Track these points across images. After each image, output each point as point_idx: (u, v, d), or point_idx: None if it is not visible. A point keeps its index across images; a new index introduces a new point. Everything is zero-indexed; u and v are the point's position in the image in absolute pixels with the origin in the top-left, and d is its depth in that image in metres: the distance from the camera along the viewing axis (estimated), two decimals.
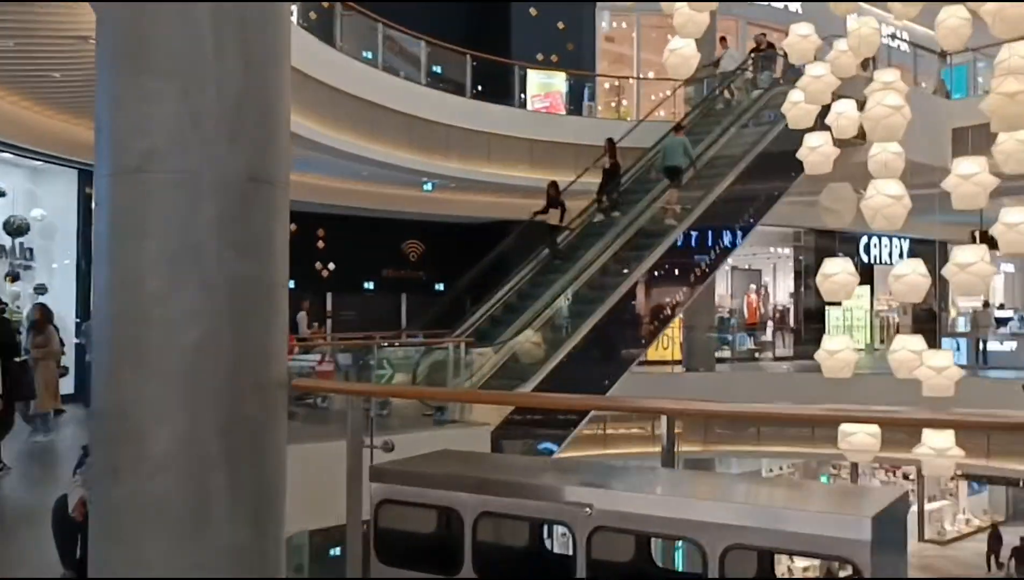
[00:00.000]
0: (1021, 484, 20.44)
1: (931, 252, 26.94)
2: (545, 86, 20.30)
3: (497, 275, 13.98)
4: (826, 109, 10.90)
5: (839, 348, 11.01)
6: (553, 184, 13.92)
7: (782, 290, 24.69)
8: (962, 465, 10.00)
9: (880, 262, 25.52)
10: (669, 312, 12.89)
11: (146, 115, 3.06)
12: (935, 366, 10.20)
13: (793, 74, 18.17)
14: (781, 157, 14.38)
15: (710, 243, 13.20)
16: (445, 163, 16.58)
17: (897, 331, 25.40)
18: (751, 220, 13.80)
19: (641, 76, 20.82)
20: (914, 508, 23.49)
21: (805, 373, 19.45)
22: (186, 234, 3.05)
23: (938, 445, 10.23)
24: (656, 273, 12.53)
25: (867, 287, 25.14)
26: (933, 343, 22.74)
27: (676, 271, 13.05)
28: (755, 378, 17.94)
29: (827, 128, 11.78)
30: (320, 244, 18.53)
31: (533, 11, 21.02)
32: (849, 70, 12.30)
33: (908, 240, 25.65)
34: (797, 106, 12.07)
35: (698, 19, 11.40)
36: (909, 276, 10.33)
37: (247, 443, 3.10)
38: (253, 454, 3.12)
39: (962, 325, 22.89)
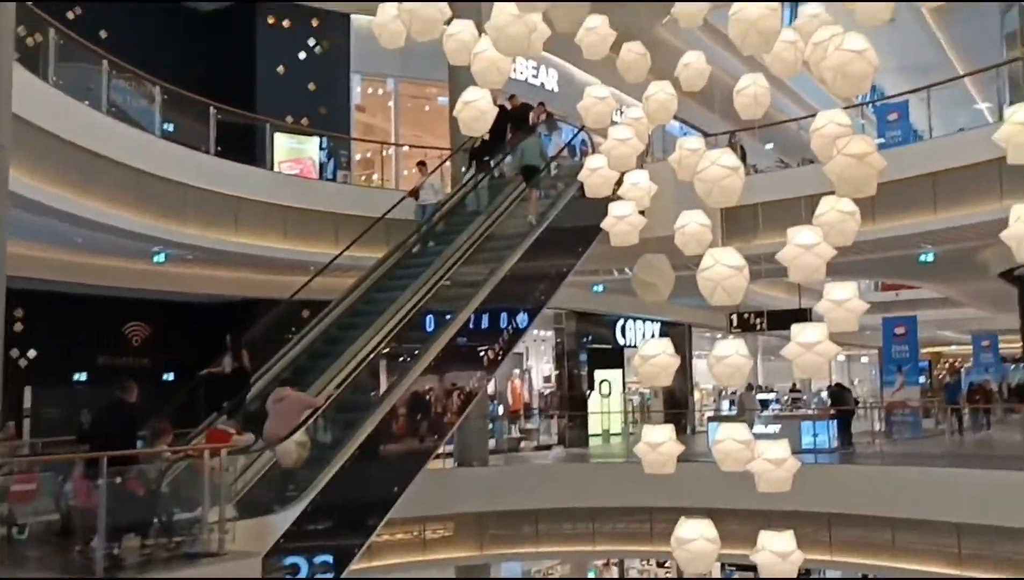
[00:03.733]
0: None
1: (679, 334, 27.26)
2: (295, 151, 18.32)
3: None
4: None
5: (662, 440, 9.86)
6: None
7: (544, 375, 23.82)
8: (808, 562, 9.08)
9: (632, 345, 25.33)
10: (463, 401, 11.19)
11: None
12: (773, 459, 9.31)
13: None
14: (569, 233, 13.39)
15: (503, 324, 11.76)
16: (181, 229, 13.99)
17: (646, 414, 25.44)
18: (542, 298, 12.58)
19: (404, 144, 19.35)
20: None
21: (577, 463, 18.48)
22: None
23: (780, 549, 9.28)
24: (449, 359, 10.87)
25: (619, 371, 24.89)
26: (683, 427, 22.52)
27: (470, 356, 11.47)
28: (529, 472, 16.61)
29: (617, 199, 10.91)
30: (18, 327, 14.96)
31: (281, 68, 19.07)
32: (643, 137, 11.60)
33: (659, 323, 25.78)
34: (596, 173, 11.10)
35: (502, 66, 10.17)
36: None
37: None
38: None
39: (726, 408, 23.04)
